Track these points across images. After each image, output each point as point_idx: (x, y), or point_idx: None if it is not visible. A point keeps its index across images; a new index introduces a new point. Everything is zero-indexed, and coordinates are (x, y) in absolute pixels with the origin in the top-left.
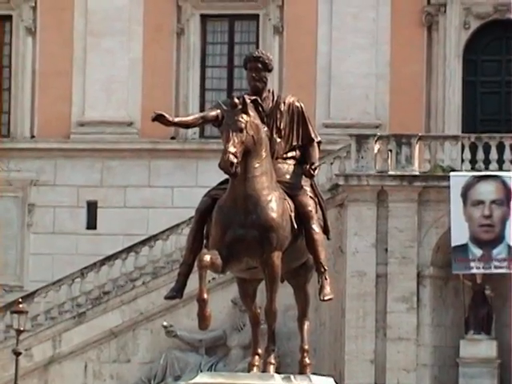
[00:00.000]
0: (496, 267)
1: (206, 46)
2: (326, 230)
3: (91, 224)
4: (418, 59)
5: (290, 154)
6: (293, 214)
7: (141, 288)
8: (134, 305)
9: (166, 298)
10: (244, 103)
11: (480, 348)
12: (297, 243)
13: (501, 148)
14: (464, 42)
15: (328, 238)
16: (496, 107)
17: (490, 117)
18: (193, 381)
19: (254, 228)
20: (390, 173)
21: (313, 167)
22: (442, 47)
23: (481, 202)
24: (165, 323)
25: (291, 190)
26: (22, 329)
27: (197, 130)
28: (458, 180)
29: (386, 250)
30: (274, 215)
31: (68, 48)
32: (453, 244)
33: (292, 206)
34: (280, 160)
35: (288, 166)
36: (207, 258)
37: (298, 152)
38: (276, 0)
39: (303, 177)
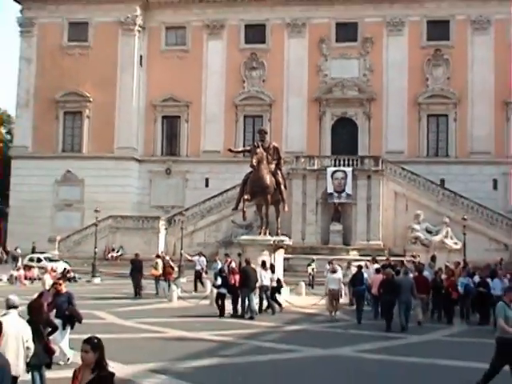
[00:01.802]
0: None
1: None
2: (282, 194)
3: None
4: None
5: (273, 162)
6: (274, 183)
7: None
8: None
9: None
10: (258, 146)
11: None
12: (276, 192)
13: None
14: None
15: (283, 201)
16: None
17: None
18: (242, 237)
19: (262, 186)
20: None
21: (280, 167)
22: None
23: None
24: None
25: (274, 176)
26: None
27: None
28: None
29: None
30: (268, 183)
31: None
32: None
33: (275, 180)
34: (270, 165)
35: (273, 166)
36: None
37: (275, 162)
38: None
39: (278, 172)
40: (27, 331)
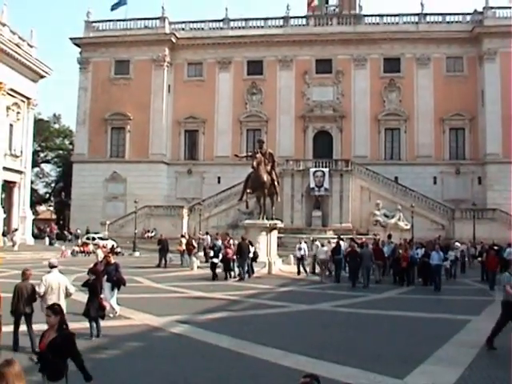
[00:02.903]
0: None
1: None
2: (275, 188)
3: None
4: None
5: (269, 164)
6: (270, 180)
7: None
8: None
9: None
10: (257, 152)
11: None
12: (271, 187)
13: None
14: None
15: (276, 193)
16: None
17: None
18: (246, 221)
19: (260, 183)
20: None
21: (274, 168)
22: None
23: None
24: None
25: (269, 174)
26: None
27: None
28: None
29: None
30: (265, 180)
31: None
32: None
33: (270, 178)
34: (266, 166)
35: (269, 167)
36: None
37: (270, 164)
38: None
39: (273, 172)
40: (65, 281)
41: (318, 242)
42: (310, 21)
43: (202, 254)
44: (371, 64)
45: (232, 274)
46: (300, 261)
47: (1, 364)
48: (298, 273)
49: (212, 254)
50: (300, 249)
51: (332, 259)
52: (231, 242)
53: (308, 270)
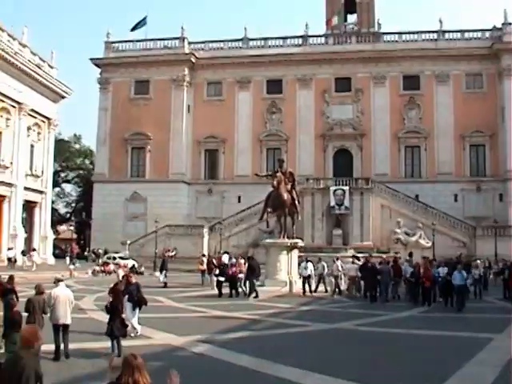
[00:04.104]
0: None
1: None
2: (296, 207)
3: None
4: None
5: (289, 183)
6: (290, 199)
7: None
8: None
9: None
10: (277, 171)
11: None
12: (291, 206)
13: None
14: None
15: (297, 212)
16: None
17: None
18: (266, 240)
19: (281, 202)
20: None
21: (294, 187)
22: None
23: None
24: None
25: (290, 193)
26: None
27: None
28: None
29: None
30: (285, 199)
31: None
32: None
33: (290, 197)
34: (286, 185)
35: (289, 186)
36: (269, 209)
37: (290, 183)
38: None
39: (293, 190)
40: (71, 295)
41: (339, 262)
42: (328, 39)
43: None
44: (390, 82)
45: (237, 291)
46: (306, 280)
47: (131, 358)
48: (304, 292)
49: (217, 271)
50: (306, 268)
51: (360, 277)
52: (233, 260)
53: (329, 288)
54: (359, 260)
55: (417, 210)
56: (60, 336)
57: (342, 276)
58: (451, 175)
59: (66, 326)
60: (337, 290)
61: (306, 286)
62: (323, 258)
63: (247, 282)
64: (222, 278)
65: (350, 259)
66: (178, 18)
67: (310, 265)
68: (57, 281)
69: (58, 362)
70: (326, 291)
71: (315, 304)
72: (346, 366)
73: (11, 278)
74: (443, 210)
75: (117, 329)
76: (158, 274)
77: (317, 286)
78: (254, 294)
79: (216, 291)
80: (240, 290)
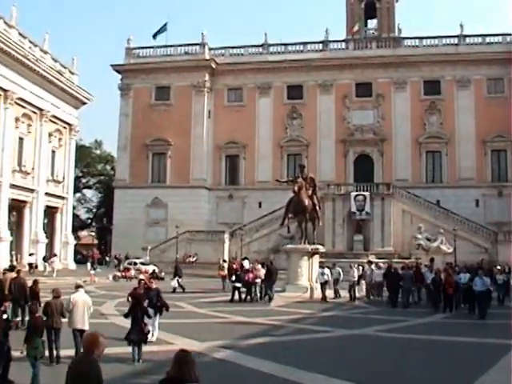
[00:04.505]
0: None
1: None
2: (317, 213)
3: None
4: None
5: (310, 189)
6: (311, 204)
7: None
8: None
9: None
10: (298, 177)
11: None
12: (312, 211)
13: None
14: None
15: (318, 218)
16: None
17: None
18: (287, 246)
19: (302, 207)
20: None
21: (315, 192)
22: None
23: None
24: None
25: (311, 199)
26: None
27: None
28: None
29: None
30: (306, 204)
31: None
32: None
33: (311, 203)
34: (307, 191)
35: (310, 192)
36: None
37: (311, 188)
38: None
39: (314, 196)
40: (89, 301)
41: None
42: (349, 44)
43: None
44: (411, 87)
45: (252, 296)
46: (323, 286)
47: (183, 353)
48: (323, 298)
49: (233, 277)
50: (323, 274)
51: (385, 283)
52: (257, 266)
53: (355, 295)
54: (372, 264)
55: (438, 216)
56: (78, 340)
57: (362, 282)
58: (473, 180)
59: (82, 331)
60: (352, 295)
61: (329, 291)
62: (341, 263)
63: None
64: (238, 284)
65: (366, 265)
66: (198, 24)
67: (326, 271)
68: (77, 286)
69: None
70: (336, 297)
71: (336, 310)
72: (368, 373)
73: (35, 282)
74: (464, 216)
75: (135, 334)
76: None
77: (335, 292)
78: (267, 298)
79: (236, 296)
80: (257, 295)
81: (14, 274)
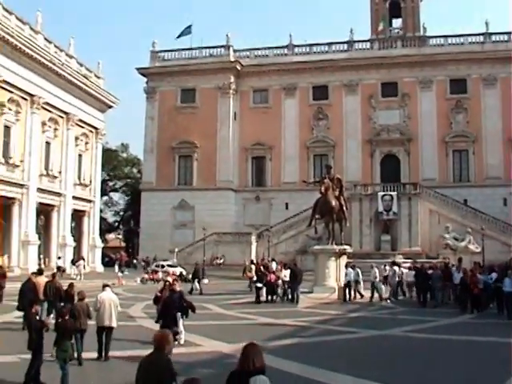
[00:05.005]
0: None
1: None
2: (344, 214)
3: None
4: None
5: (337, 190)
6: (338, 205)
7: None
8: None
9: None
10: (325, 178)
11: None
12: (339, 212)
13: None
14: None
15: (345, 218)
16: None
17: None
18: (315, 247)
19: (329, 208)
20: None
21: (342, 193)
22: None
23: None
24: None
25: (338, 200)
26: None
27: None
28: None
29: None
30: (333, 205)
31: None
32: None
33: (338, 203)
34: (334, 192)
35: (337, 192)
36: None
37: (338, 189)
38: None
39: (341, 197)
40: (116, 299)
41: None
42: (374, 44)
43: None
44: (437, 86)
45: (274, 297)
46: (346, 286)
47: (250, 345)
48: (344, 299)
49: (255, 278)
50: (346, 274)
51: (415, 283)
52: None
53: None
54: (399, 266)
55: (465, 215)
56: (103, 338)
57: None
58: (500, 179)
59: (110, 328)
60: (375, 295)
61: (350, 292)
62: (367, 264)
63: (289, 288)
64: (259, 285)
65: (387, 266)
66: (222, 26)
67: (350, 270)
68: (104, 286)
69: (102, 370)
70: (359, 297)
71: (364, 311)
72: (396, 374)
73: (71, 285)
74: (492, 215)
75: None
76: (206, 281)
77: (355, 292)
78: (290, 298)
79: (263, 297)
80: (279, 295)
81: (44, 278)
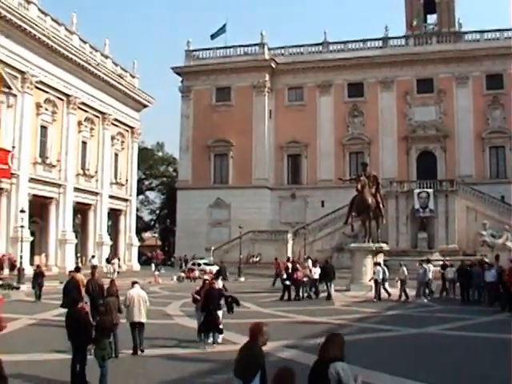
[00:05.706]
0: None
1: None
2: (380, 211)
3: None
4: None
5: (373, 187)
6: (375, 202)
7: None
8: None
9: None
10: (361, 175)
11: None
12: (376, 209)
13: None
14: None
15: (382, 216)
16: None
17: None
18: (351, 245)
19: (365, 206)
20: None
21: (379, 190)
22: None
23: None
24: None
25: (374, 197)
26: None
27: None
28: None
29: None
30: (370, 203)
31: None
32: None
33: (375, 201)
34: (370, 189)
35: (373, 190)
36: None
37: (374, 186)
38: None
39: (377, 194)
40: (145, 295)
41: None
42: (409, 40)
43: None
44: (473, 81)
45: (299, 295)
46: (377, 285)
47: (331, 334)
48: (375, 297)
49: (284, 276)
50: (374, 272)
51: (458, 279)
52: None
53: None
54: (426, 263)
55: (503, 212)
56: (136, 334)
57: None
58: None
59: (140, 324)
60: (403, 294)
61: (382, 290)
62: (406, 262)
63: (319, 285)
64: (287, 282)
65: (417, 264)
66: (257, 25)
67: (379, 269)
68: (133, 283)
69: (139, 367)
70: (389, 295)
71: (401, 308)
72: (434, 371)
73: (112, 282)
74: None
75: (207, 323)
76: (242, 279)
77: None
78: (319, 295)
79: (290, 295)
80: (307, 292)
81: (82, 276)
